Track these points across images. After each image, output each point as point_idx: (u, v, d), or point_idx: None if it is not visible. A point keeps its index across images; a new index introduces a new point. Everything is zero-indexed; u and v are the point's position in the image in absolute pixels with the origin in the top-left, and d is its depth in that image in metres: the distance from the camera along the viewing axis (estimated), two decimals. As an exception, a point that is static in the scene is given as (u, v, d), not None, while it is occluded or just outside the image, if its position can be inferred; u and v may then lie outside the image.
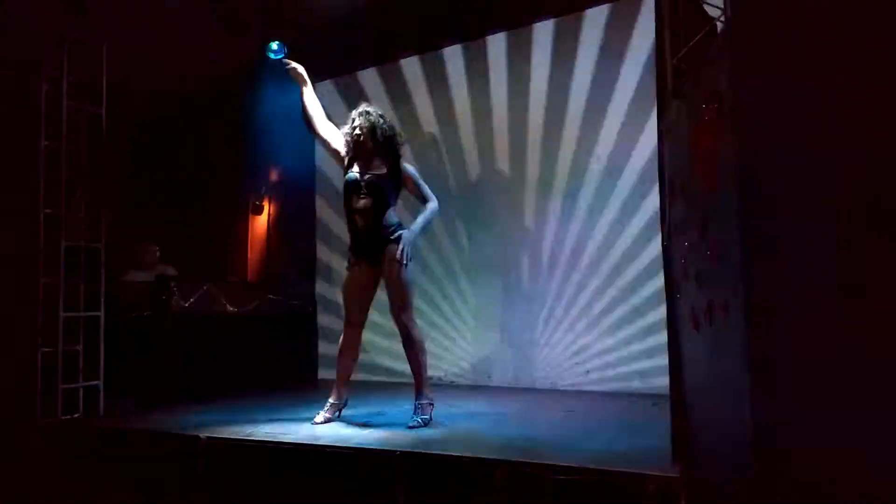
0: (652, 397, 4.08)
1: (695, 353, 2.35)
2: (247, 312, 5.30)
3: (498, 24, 5.21)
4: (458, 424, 3.54)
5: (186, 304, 4.82)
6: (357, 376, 5.13)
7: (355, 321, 3.70)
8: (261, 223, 6.71)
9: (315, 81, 5.89)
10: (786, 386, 1.58)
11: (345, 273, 3.79)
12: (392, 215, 3.63)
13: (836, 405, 1.42)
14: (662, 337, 3.11)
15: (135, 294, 4.91)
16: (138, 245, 5.66)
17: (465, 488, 2.69)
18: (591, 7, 4.82)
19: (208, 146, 6.64)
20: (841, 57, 1.34)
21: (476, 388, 5.02)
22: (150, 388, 4.56)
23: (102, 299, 4.19)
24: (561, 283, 4.88)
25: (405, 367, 3.74)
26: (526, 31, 5.08)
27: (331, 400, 3.68)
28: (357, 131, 3.61)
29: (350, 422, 3.62)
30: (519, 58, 5.12)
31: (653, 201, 4.32)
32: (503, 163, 5.19)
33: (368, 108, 3.67)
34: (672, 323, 2.62)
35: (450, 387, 5.11)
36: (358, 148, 3.64)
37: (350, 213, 3.63)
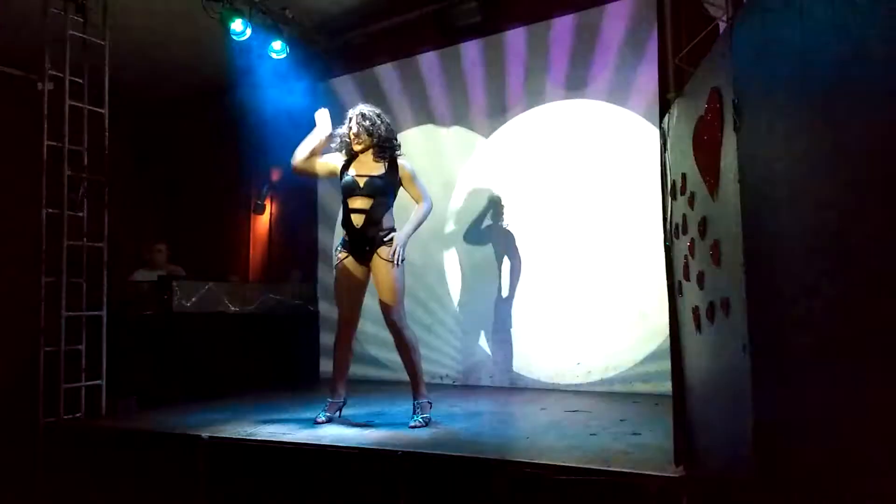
0: (653, 397, 4.08)
1: (696, 353, 2.34)
2: (248, 312, 5.31)
3: (490, 25, 5.21)
4: (459, 424, 3.54)
5: (188, 304, 4.83)
6: (361, 376, 5.21)
7: (348, 319, 3.69)
8: (262, 223, 6.72)
9: (332, 76, 5.94)
10: (787, 386, 1.57)
11: (333, 266, 3.75)
12: (389, 218, 3.64)
13: (838, 405, 1.41)
14: (664, 337, 3.11)
15: (137, 293, 4.92)
16: (148, 244, 5.69)
17: (466, 488, 2.70)
18: (597, 5, 4.82)
19: (210, 146, 6.66)
20: (843, 56, 1.34)
21: (477, 388, 5.03)
22: (152, 388, 4.57)
23: (105, 299, 4.20)
24: (563, 281, 4.87)
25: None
26: (539, 26, 5.07)
27: (330, 399, 3.70)
28: (354, 130, 3.60)
29: (351, 422, 3.62)
30: (523, 55, 5.13)
31: (654, 200, 4.32)
32: (504, 163, 5.19)
33: (364, 109, 3.66)
34: (674, 323, 2.61)
35: (451, 387, 5.11)
36: (354, 148, 3.64)
37: (348, 213, 3.62)
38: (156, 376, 4.63)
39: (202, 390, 4.66)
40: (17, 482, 3.79)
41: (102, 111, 4.27)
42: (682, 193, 2.34)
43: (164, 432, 3.55)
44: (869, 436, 1.29)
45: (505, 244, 5.16)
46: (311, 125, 3.55)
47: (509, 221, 5.15)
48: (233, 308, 5.18)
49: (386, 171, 3.62)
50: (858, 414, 1.33)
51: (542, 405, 4.16)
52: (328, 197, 5.89)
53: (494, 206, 5.21)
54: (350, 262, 3.63)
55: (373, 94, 5.70)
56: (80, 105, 4.18)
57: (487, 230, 5.23)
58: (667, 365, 2.72)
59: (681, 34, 2.54)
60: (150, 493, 3.40)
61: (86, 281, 4.13)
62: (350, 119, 3.66)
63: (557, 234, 4.92)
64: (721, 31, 2.33)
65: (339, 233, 3.84)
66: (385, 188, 3.61)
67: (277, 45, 5.57)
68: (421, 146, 5.46)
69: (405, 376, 3.70)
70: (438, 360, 5.33)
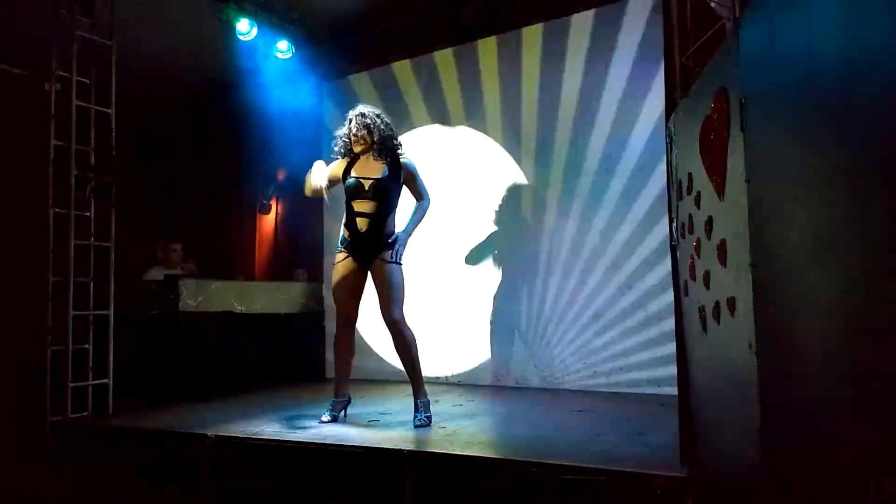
0: (659, 398, 4.07)
1: (702, 354, 2.34)
2: (254, 311, 5.32)
3: (495, 26, 5.21)
4: (464, 424, 3.54)
5: (194, 303, 4.84)
6: (365, 376, 5.22)
7: (347, 318, 3.69)
8: (268, 222, 6.74)
9: (337, 76, 5.95)
10: (794, 386, 1.57)
11: (332, 265, 3.72)
12: (392, 221, 3.65)
13: (845, 406, 1.41)
14: (670, 337, 3.10)
15: (144, 293, 4.94)
16: (163, 243, 5.72)
17: (471, 488, 2.70)
18: (600, 5, 4.81)
19: (216, 146, 6.67)
20: (850, 54, 1.33)
21: (482, 388, 5.03)
22: (158, 387, 4.59)
23: (112, 298, 4.21)
24: (569, 281, 4.87)
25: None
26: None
27: (335, 398, 3.71)
28: (354, 131, 3.60)
29: (356, 421, 3.63)
30: (518, 57, 5.12)
31: (659, 199, 4.32)
32: (508, 163, 5.19)
33: (364, 109, 3.66)
34: (680, 323, 2.61)
35: (456, 386, 5.11)
36: (355, 150, 3.64)
37: (353, 216, 3.61)
38: (162, 375, 4.65)
39: (208, 389, 4.67)
40: (24, 480, 3.81)
41: (109, 111, 4.28)
42: (689, 193, 2.34)
43: (169, 431, 3.56)
44: (874, 437, 1.29)
45: (511, 242, 5.15)
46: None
47: (515, 219, 5.14)
48: (239, 307, 5.20)
49: (390, 172, 3.62)
50: (865, 414, 1.32)
51: (548, 405, 4.16)
52: (335, 198, 5.89)
53: (501, 204, 5.20)
54: (350, 262, 3.63)
55: (379, 94, 5.72)
56: (87, 105, 4.20)
57: (494, 228, 5.22)
58: (672, 365, 2.71)
59: (687, 34, 2.53)
60: (155, 492, 3.41)
61: (93, 280, 4.15)
62: (350, 120, 3.66)
63: (563, 233, 4.91)
64: (727, 30, 2.33)
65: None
66: (391, 190, 3.62)
67: (283, 45, 5.58)
68: (427, 145, 5.46)
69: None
70: (443, 359, 5.33)
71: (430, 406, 3.61)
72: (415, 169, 3.73)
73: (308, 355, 5.78)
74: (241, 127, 6.23)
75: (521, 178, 5.12)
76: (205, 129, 6.68)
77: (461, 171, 5.36)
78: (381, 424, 3.56)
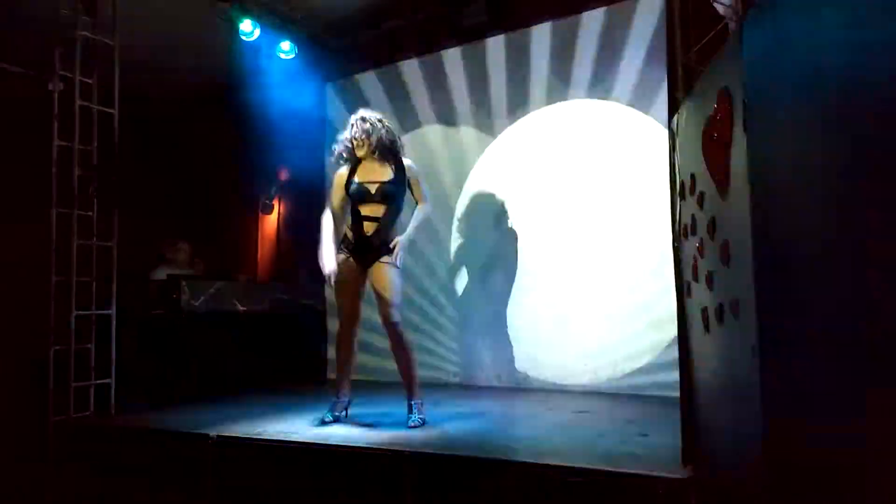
0: (662, 398, 4.06)
1: (705, 354, 2.33)
2: (257, 311, 5.33)
3: (498, 25, 5.20)
4: (466, 425, 3.53)
5: (197, 303, 4.85)
6: (368, 377, 5.21)
7: (349, 318, 3.69)
8: (271, 222, 6.74)
9: (340, 77, 5.94)
10: (797, 387, 1.56)
11: (335, 266, 3.66)
12: (397, 224, 3.67)
13: (847, 406, 1.41)
14: (672, 338, 3.10)
15: (146, 293, 4.94)
16: (171, 243, 5.73)
17: (472, 489, 2.69)
18: (604, 6, 4.80)
19: (219, 146, 6.68)
20: (854, 54, 1.33)
21: (484, 389, 5.02)
22: (161, 387, 4.59)
23: (114, 298, 4.22)
24: (569, 282, 4.86)
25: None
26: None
27: (336, 398, 3.71)
28: (357, 135, 3.60)
29: (358, 422, 3.63)
30: (522, 57, 5.12)
31: (663, 200, 4.30)
32: (513, 164, 5.19)
33: (365, 113, 3.67)
34: (682, 324, 2.60)
35: (458, 387, 5.11)
36: (359, 153, 3.64)
37: (359, 220, 3.62)
38: (165, 375, 4.65)
39: (210, 389, 4.68)
40: (26, 480, 3.82)
41: (112, 111, 4.29)
42: (692, 194, 2.33)
43: (172, 431, 3.56)
44: (879, 438, 1.28)
45: (513, 243, 5.15)
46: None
47: (518, 221, 5.13)
48: (241, 307, 5.20)
49: (394, 175, 3.63)
50: (869, 416, 1.32)
51: (549, 406, 4.15)
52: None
53: (503, 205, 5.20)
54: (350, 262, 3.64)
55: (383, 93, 5.71)
56: (90, 105, 4.20)
57: (496, 229, 5.22)
58: (675, 366, 2.71)
59: (690, 33, 2.53)
60: (158, 492, 3.41)
61: (95, 280, 4.16)
62: (351, 125, 3.66)
63: (565, 234, 4.90)
64: (730, 30, 2.32)
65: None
66: (396, 192, 3.64)
67: (286, 45, 5.59)
68: (429, 146, 5.46)
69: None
70: (445, 360, 5.33)
71: (424, 408, 3.61)
72: (418, 172, 3.76)
73: (310, 355, 5.78)
74: (243, 127, 6.23)
75: (527, 177, 5.10)
76: (207, 129, 6.69)
77: (466, 171, 5.36)
78: (382, 425, 3.55)
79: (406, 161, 3.71)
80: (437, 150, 5.45)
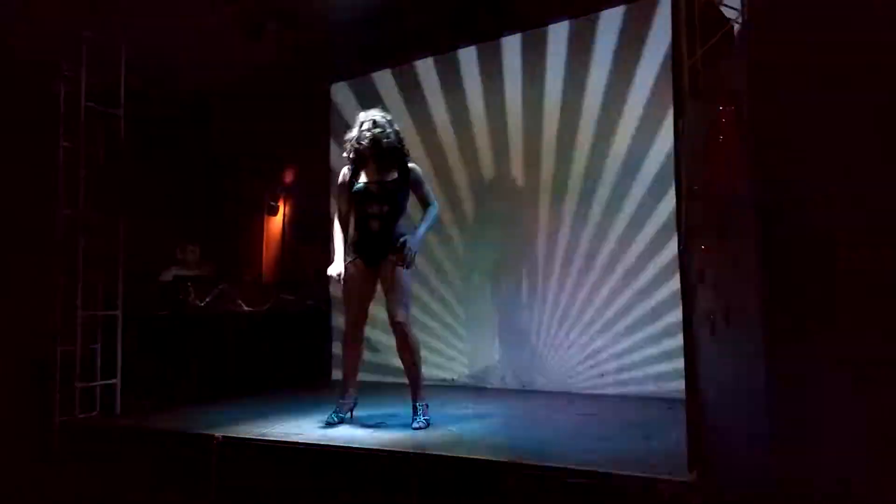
0: (667, 401, 4.05)
1: (711, 358, 2.32)
2: (262, 312, 5.33)
3: (512, 25, 5.18)
4: (471, 426, 3.53)
5: (202, 304, 4.86)
6: (373, 378, 5.21)
7: (356, 320, 3.71)
8: (276, 223, 6.74)
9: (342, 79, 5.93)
10: (803, 390, 1.56)
11: (342, 268, 3.66)
12: (402, 223, 3.66)
13: (853, 409, 1.40)
14: (678, 340, 3.08)
15: (152, 294, 4.95)
16: (180, 244, 5.74)
17: (477, 490, 2.69)
18: (608, 7, 4.78)
19: (222, 147, 6.68)
20: (857, 58, 1.32)
21: (489, 391, 5.01)
22: (166, 387, 4.60)
23: (120, 299, 4.23)
24: (576, 284, 4.85)
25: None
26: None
27: (341, 399, 3.71)
28: (367, 136, 3.60)
29: (363, 423, 3.63)
30: (534, 59, 5.10)
31: (669, 203, 4.29)
32: (519, 164, 5.17)
33: (376, 115, 3.66)
34: (688, 327, 2.59)
35: (463, 389, 5.10)
36: (365, 154, 3.63)
37: (364, 219, 3.63)
38: (170, 376, 4.66)
39: (216, 390, 4.68)
40: (32, 479, 3.83)
41: (117, 112, 4.30)
42: (698, 196, 2.33)
43: (177, 431, 3.57)
44: (884, 441, 1.28)
45: (523, 245, 5.13)
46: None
47: (522, 223, 5.12)
48: (246, 308, 5.21)
49: (398, 176, 3.64)
50: (877, 417, 1.31)
51: (555, 408, 4.14)
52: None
53: (507, 207, 5.19)
54: (359, 264, 3.65)
55: (390, 93, 5.70)
56: (96, 106, 4.21)
57: (507, 231, 5.21)
58: (681, 369, 2.70)
59: (695, 36, 2.52)
60: (163, 492, 3.42)
61: (101, 281, 4.17)
62: (361, 125, 3.66)
63: (575, 237, 4.89)
64: (736, 32, 2.32)
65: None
66: (400, 192, 3.64)
67: (288, 45, 5.56)
68: (430, 148, 5.44)
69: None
70: (450, 362, 5.32)
71: (429, 409, 3.60)
72: (420, 175, 3.76)
73: (315, 356, 5.79)
74: (247, 128, 6.24)
75: (538, 179, 5.07)
76: (212, 129, 6.70)
77: (475, 171, 5.34)
78: (387, 426, 3.55)
79: (410, 164, 3.72)
80: (439, 150, 5.44)
